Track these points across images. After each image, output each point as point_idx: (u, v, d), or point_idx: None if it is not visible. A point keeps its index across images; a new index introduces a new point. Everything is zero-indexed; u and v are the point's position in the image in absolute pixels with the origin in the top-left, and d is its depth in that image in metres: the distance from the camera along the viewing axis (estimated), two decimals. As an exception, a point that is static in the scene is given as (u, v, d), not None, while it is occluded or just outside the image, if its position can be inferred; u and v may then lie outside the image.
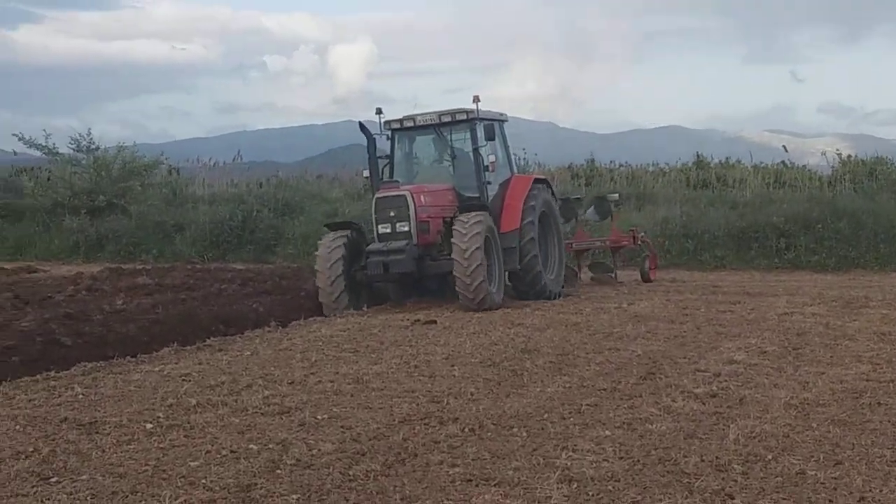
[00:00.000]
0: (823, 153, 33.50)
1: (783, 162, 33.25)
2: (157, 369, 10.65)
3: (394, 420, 8.00)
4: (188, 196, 32.72)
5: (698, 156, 34.55)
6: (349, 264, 15.33)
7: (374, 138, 16.84)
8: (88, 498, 6.19)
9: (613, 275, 19.84)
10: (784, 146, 35.99)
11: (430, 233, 15.63)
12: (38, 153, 33.20)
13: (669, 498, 5.81)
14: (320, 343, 12.26)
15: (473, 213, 15.16)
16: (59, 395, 9.40)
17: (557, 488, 6.09)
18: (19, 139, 32.87)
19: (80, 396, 9.30)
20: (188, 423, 8.06)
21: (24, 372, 10.33)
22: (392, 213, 15.44)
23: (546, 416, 8.15)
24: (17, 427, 8.11)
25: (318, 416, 8.15)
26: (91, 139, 32.22)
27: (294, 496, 6.14)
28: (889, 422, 7.66)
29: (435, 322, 13.90)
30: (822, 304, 15.36)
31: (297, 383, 9.71)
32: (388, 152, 17.39)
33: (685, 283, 19.87)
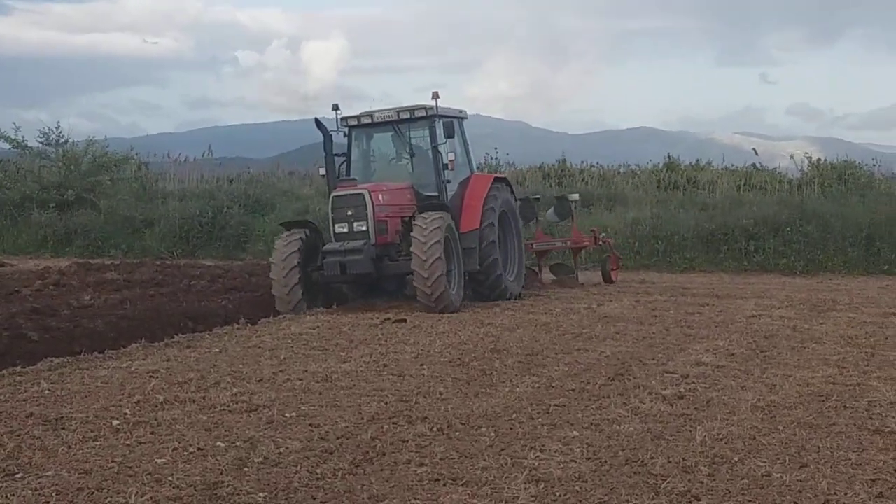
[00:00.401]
0: (792, 156, 33.68)
1: (753, 164, 33.55)
2: (124, 365, 10.59)
3: (362, 419, 7.98)
4: (158, 191, 32.49)
5: (669, 157, 34.70)
6: (305, 264, 15.06)
7: (331, 135, 16.58)
8: (54, 494, 6.11)
9: (575, 276, 19.68)
10: (754, 149, 36.32)
11: (388, 233, 15.41)
12: (6, 146, 32.88)
13: (636, 499, 5.84)
14: (289, 341, 12.22)
15: (433, 214, 14.98)
16: (25, 391, 9.34)
17: (525, 488, 6.10)
18: None
19: (47, 392, 9.24)
20: (155, 419, 8.03)
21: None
22: (349, 212, 15.20)
23: (514, 416, 8.14)
24: None
25: (287, 415, 8.14)
26: (60, 132, 32.02)
27: (261, 494, 6.10)
28: (854, 425, 7.70)
29: (405, 321, 13.88)
30: (789, 307, 15.49)
31: (265, 381, 9.66)
32: (346, 150, 17.20)
33: (655, 284, 19.92)
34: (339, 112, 16.87)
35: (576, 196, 21.58)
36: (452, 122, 16.50)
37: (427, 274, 14.23)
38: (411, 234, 14.70)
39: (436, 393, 9.05)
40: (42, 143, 31.53)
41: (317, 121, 16.69)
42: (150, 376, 9.96)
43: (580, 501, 5.93)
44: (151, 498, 6.03)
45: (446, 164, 16.06)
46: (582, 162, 36.05)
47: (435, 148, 16.21)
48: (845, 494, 6.09)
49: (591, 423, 7.74)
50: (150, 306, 13.85)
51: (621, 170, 35.11)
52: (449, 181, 16.35)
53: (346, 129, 17.05)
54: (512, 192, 17.80)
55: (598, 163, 36.42)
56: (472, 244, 15.88)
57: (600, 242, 20.27)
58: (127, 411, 8.35)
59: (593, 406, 8.38)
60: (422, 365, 10.41)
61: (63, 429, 7.86)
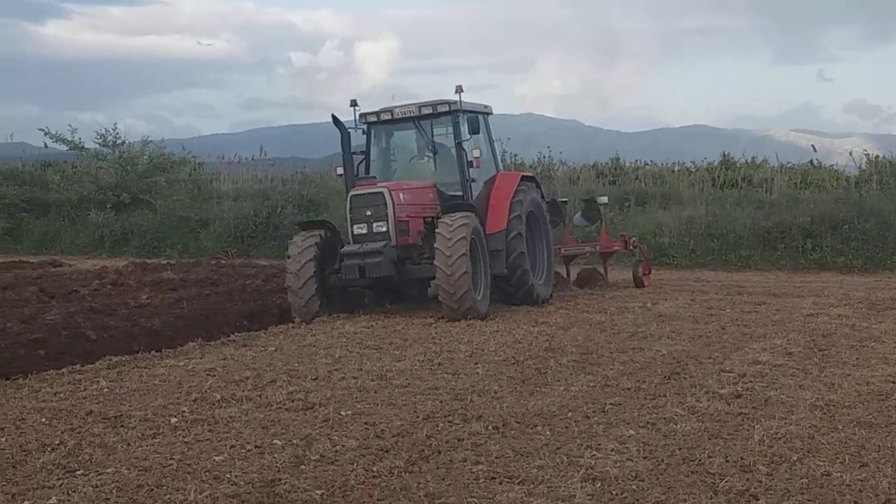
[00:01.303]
0: (850, 153, 33.22)
1: (810, 162, 32.96)
2: (181, 364, 10.76)
3: (417, 417, 8.02)
4: (212, 192, 32.77)
5: (724, 155, 34.12)
6: (321, 266, 14.39)
7: (349, 132, 15.70)
8: (114, 491, 6.23)
9: (602, 283, 18.73)
10: (813, 145, 35.75)
11: (409, 233, 14.71)
12: (63, 148, 33.40)
13: (694, 498, 5.82)
14: (344, 339, 12.26)
15: (458, 214, 14.22)
16: (85, 389, 9.52)
17: (581, 487, 6.09)
18: (45, 134, 33.04)
19: (106, 390, 9.43)
20: (213, 417, 8.15)
21: (49, 365, 10.49)
22: (368, 212, 14.45)
23: (570, 414, 8.14)
24: (43, 420, 8.19)
25: (342, 413, 8.20)
26: (117, 134, 32.44)
27: (318, 492, 6.16)
28: (915, 424, 7.51)
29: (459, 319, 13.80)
30: (847, 306, 15.29)
31: (320, 379, 9.74)
32: (364, 148, 16.42)
33: (710, 282, 19.65)
34: (357, 108, 16.13)
35: (605, 199, 20.63)
36: (477, 118, 15.61)
37: (452, 281, 13.51)
38: (436, 231, 14.04)
39: (491, 391, 9.06)
40: (99, 144, 31.90)
41: (334, 117, 15.68)
42: (207, 374, 10.10)
43: (637, 500, 5.91)
44: (210, 495, 6.11)
45: (471, 162, 15.36)
46: (636, 160, 35.80)
47: (459, 145, 15.48)
48: (907, 494, 5.92)
49: (648, 422, 7.73)
50: (206, 305, 13.90)
51: (675, 168, 34.72)
52: (474, 180, 15.66)
53: (365, 126, 16.27)
54: (540, 192, 17.11)
55: (651, 161, 36.08)
56: (498, 246, 15.22)
57: (631, 247, 19.32)
58: (185, 409, 8.46)
59: (649, 405, 8.36)
60: (476, 363, 10.41)
61: (122, 426, 7.99)
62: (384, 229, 14.31)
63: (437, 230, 13.99)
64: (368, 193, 14.50)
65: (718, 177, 30.92)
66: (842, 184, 29.21)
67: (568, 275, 18.79)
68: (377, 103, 18.11)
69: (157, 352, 11.40)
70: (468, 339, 12.14)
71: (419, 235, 14.65)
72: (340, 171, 15.88)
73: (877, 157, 31.03)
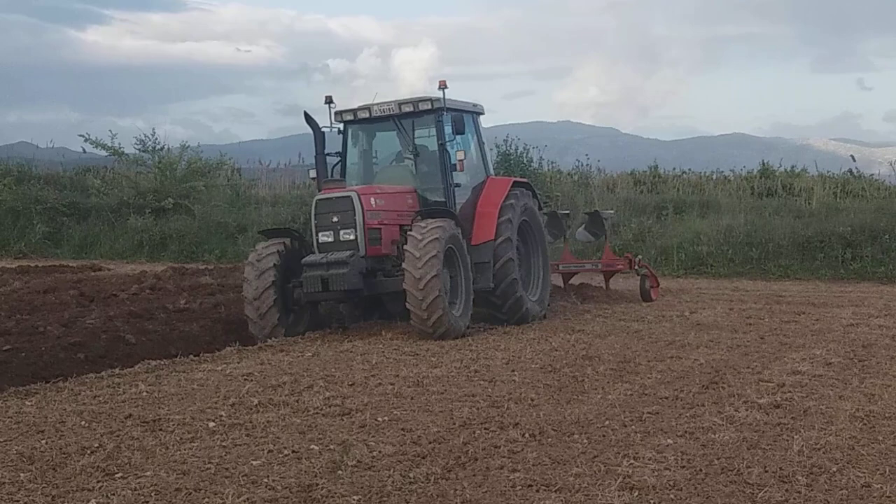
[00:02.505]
0: (891, 163, 33.10)
1: (850, 171, 32.85)
2: (219, 368, 10.93)
3: (454, 424, 8.09)
4: (251, 197, 33.14)
5: (763, 164, 34.15)
6: (283, 278, 13.36)
7: (324, 132, 14.83)
8: (152, 494, 6.32)
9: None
10: (852, 156, 35.68)
11: (381, 242, 13.54)
12: (103, 153, 34.04)
13: None
14: (381, 345, 12.31)
15: (433, 221, 13.05)
16: (124, 392, 9.68)
17: (619, 496, 6.12)
18: (86, 139, 33.75)
19: (144, 394, 9.60)
20: (250, 422, 8.27)
21: (89, 368, 10.73)
22: (335, 219, 13.36)
23: (607, 423, 8.19)
24: (83, 423, 8.35)
25: (379, 419, 8.30)
26: (156, 139, 32.93)
27: (355, 497, 6.22)
28: (957, 436, 7.49)
29: (495, 327, 13.90)
30: (888, 316, 15.31)
31: (357, 385, 9.82)
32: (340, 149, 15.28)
33: (749, 292, 19.63)
34: (332, 105, 15.07)
35: (611, 212, 20.18)
36: (462, 117, 14.53)
37: (421, 295, 12.37)
38: (404, 246, 12.92)
39: (527, 399, 9.16)
40: (138, 150, 32.44)
41: (306, 115, 14.79)
42: (245, 379, 10.21)
43: None
44: (248, 499, 6.19)
45: (455, 165, 14.26)
46: (674, 168, 35.95)
47: (442, 146, 14.41)
48: (947, 506, 5.92)
49: (685, 431, 7.77)
50: (243, 311, 13.98)
51: (714, 176, 34.78)
52: (459, 185, 14.63)
53: (342, 126, 15.18)
54: (536, 199, 15.91)
55: (690, 169, 36.18)
56: (485, 258, 14.09)
57: (636, 267, 18.07)
58: (223, 413, 8.60)
59: (687, 414, 8.41)
60: (513, 371, 10.48)
61: (160, 430, 8.13)
62: (352, 237, 13.28)
63: (405, 245, 12.97)
64: (335, 198, 13.50)
65: (757, 186, 30.94)
66: (882, 193, 29.18)
67: (563, 282, 18.16)
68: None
69: (195, 356, 11.55)
70: (504, 346, 12.17)
71: (393, 245, 13.55)
72: (313, 174, 15.08)
73: (918, 166, 30.94)
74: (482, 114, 15.94)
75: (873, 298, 18.17)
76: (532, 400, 9.17)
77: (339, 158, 15.08)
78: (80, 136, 33.74)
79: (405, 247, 12.66)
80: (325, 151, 14.80)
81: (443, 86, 14.41)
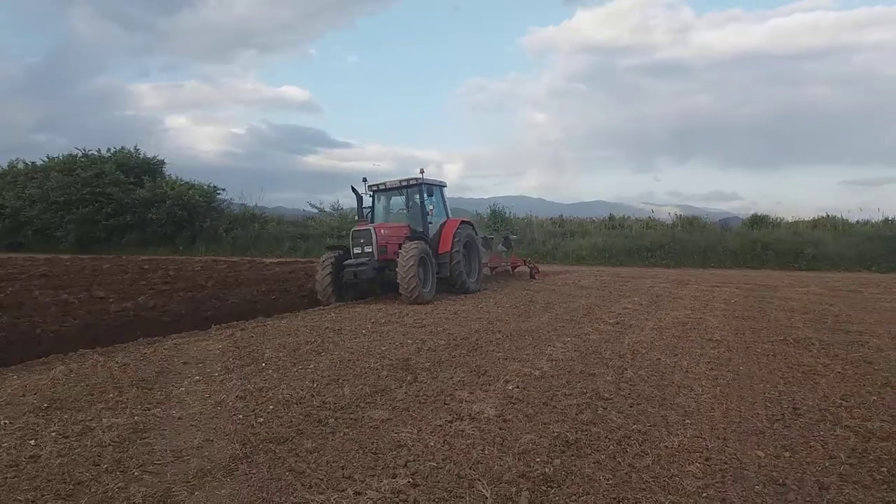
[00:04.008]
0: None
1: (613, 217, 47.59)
2: (369, 307, 16.49)
3: (471, 331, 13.12)
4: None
5: (611, 215, 47.90)
6: (338, 271, 19.52)
7: (362, 197, 21.47)
8: (337, 362, 10.25)
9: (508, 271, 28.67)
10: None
11: (388, 252, 19.58)
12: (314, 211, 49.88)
13: (600, 368, 9.98)
14: (432, 306, 18.62)
15: (413, 242, 19.24)
16: (323, 317, 14.64)
17: (546, 363, 10.17)
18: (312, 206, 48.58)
19: (333, 316, 14.65)
20: (380, 330, 13.23)
21: (308, 305, 16.87)
22: (362, 240, 19.60)
23: (541, 330, 13.16)
24: (306, 329, 13.44)
25: (437, 329, 13.27)
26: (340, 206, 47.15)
27: (427, 363, 10.03)
28: None
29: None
30: (669, 283, 24.31)
31: (427, 315, 15.16)
32: (369, 205, 22.07)
33: (605, 272, 30.95)
34: (366, 182, 21.64)
35: (514, 237, 31.37)
36: (432, 188, 21.59)
37: (406, 280, 18.37)
38: (398, 253, 18.97)
39: (504, 320, 14.55)
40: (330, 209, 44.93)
41: (352, 188, 21.53)
42: (378, 312, 15.38)
43: (571, 369, 9.92)
44: (378, 364, 10.05)
45: (427, 213, 20.93)
46: (570, 216, 49.96)
47: (421, 203, 21.22)
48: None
49: (575, 335, 12.41)
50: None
51: (588, 219, 48.20)
52: (431, 223, 21.05)
53: (371, 193, 21.94)
54: (474, 230, 22.73)
55: (576, 216, 49.55)
56: (445, 261, 20.59)
57: (528, 264, 28.80)
58: (368, 326, 13.71)
59: (576, 327, 13.24)
60: (497, 307, 16.55)
61: (340, 332, 13.00)
62: (370, 250, 19.48)
63: (400, 250, 18.98)
64: (362, 230, 19.71)
65: (607, 224, 46.98)
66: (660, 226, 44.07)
67: (491, 272, 26.96)
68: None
69: (358, 300, 17.68)
70: (493, 300, 18.54)
71: (395, 255, 19.41)
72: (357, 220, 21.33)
73: None
74: (445, 186, 22.79)
75: (663, 275, 26.89)
76: (506, 321, 14.53)
77: (369, 209, 22.04)
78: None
79: (398, 253, 18.83)
80: (363, 206, 21.65)
81: (422, 171, 21.16)
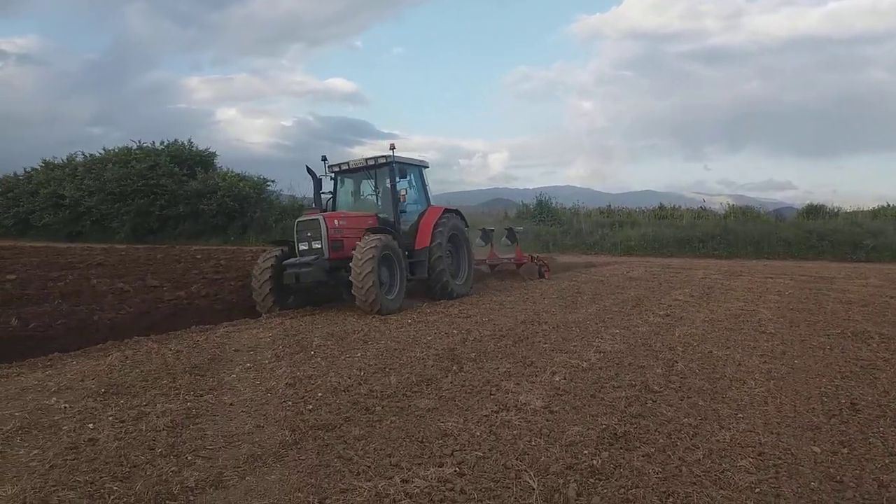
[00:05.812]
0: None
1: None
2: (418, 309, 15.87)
3: (517, 322, 13.25)
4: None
5: (661, 205, 48.12)
6: (278, 273, 15.89)
7: (320, 179, 17.75)
8: (384, 350, 10.48)
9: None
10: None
11: (343, 249, 15.75)
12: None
13: (650, 360, 9.92)
14: (478, 296, 17.99)
15: (373, 235, 15.48)
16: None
17: (594, 355, 10.15)
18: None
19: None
20: (426, 321, 13.61)
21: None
22: (309, 234, 15.87)
23: (588, 322, 13.19)
24: (355, 320, 13.90)
25: (483, 320, 13.53)
26: None
27: (473, 353, 10.19)
28: None
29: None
30: (722, 274, 23.19)
31: (472, 306, 15.28)
32: (331, 190, 18.27)
33: (653, 263, 30.51)
34: (326, 162, 18.00)
35: (520, 228, 27.13)
36: (405, 167, 17.72)
37: (361, 284, 14.68)
38: (353, 250, 15.18)
39: (550, 311, 14.67)
40: None
41: (308, 168, 17.55)
42: (426, 306, 15.43)
43: (620, 361, 9.80)
44: (425, 354, 10.20)
45: (400, 198, 17.17)
46: (618, 206, 49.78)
47: (392, 186, 17.33)
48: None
49: (624, 326, 12.38)
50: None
51: (637, 209, 48.56)
52: (405, 211, 17.53)
53: (332, 175, 18.17)
54: (462, 220, 19.12)
55: (625, 206, 49.17)
56: (422, 258, 17.11)
57: (535, 261, 25.01)
58: (414, 316, 13.83)
59: (625, 318, 13.24)
60: (543, 299, 16.34)
61: (386, 321, 13.64)
62: (319, 246, 15.73)
63: (353, 250, 15.19)
64: (308, 220, 16.03)
65: (656, 214, 46.49)
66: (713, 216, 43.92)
67: (491, 270, 23.93)
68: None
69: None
70: (539, 290, 18.30)
71: (353, 251, 15.34)
72: (312, 207, 17.93)
73: None
74: (427, 167, 19.16)
75: (715, 267, 26.30)
76: (552, 312, 14.58)
77: (330, 196, 18.20)
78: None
79: (353, 255, 15.05)
80: (321, 191, 17.93)
81: (392, 147, 17.53)
